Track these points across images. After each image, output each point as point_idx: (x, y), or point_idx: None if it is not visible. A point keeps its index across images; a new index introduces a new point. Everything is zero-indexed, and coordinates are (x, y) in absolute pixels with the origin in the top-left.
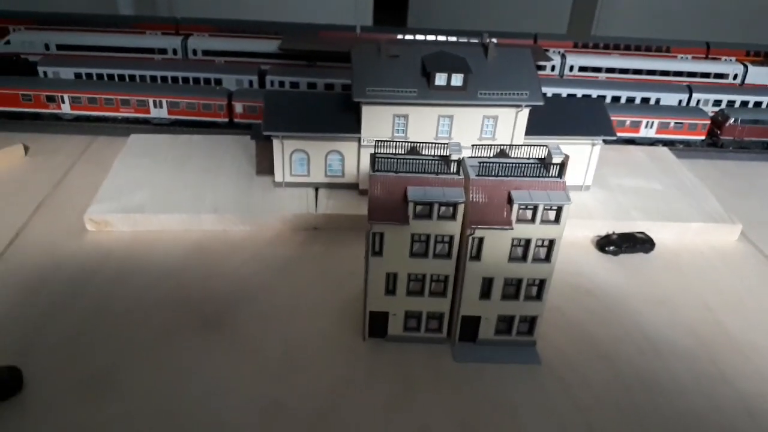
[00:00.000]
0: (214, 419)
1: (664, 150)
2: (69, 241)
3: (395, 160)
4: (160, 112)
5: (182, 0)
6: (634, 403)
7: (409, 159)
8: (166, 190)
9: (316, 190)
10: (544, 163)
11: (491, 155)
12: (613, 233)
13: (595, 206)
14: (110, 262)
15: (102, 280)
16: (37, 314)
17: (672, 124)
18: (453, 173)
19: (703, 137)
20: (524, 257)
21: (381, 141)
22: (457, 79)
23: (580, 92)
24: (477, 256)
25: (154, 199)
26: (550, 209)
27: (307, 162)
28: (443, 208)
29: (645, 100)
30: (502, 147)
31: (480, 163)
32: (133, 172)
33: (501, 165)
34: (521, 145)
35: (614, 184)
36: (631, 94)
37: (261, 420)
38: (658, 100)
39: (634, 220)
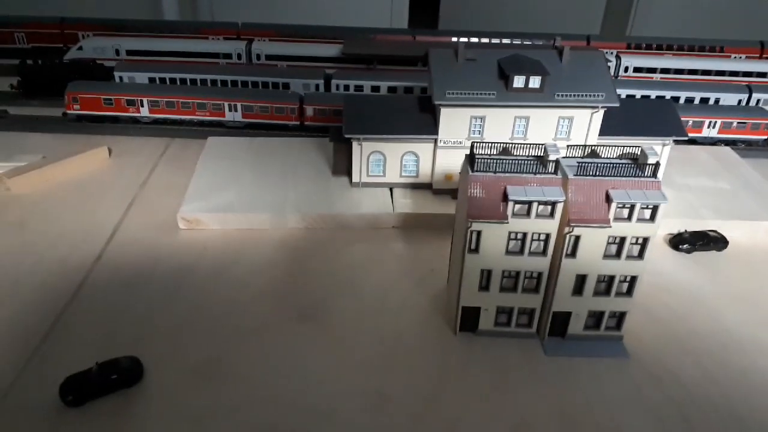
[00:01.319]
0: (321, 407)
1: (727, 149)
2: (164, 239)
3: (493, 161)
4: (234, 116)
5: (223, 6)
6: (725, 397)
7: (507, 159)
8: (250, 190)
9: (391, 190)
10: (638, 163)
11: (583, 155)
12: (686, 231)
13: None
14: (205, 259)
15: (199, 275)
16: (144, 307)
17: (734, 124)
18: (551, 173)
19: (765, 137)
20: (618, 254)
21: (477, 142)
22: (535, 82)
23: (638, 93)
24: (573, 254)
25: (241, 199)
26: (647, 208)
27: (384, 163)
28: (542, 207)
29: (704, 101)
30: (593, 147)
31: (578, 162)
32: (216, 173)
33: (598, 165)
34: (614, 146)
35: (681, 183)
36: (691, 94)
37: (366, 409)
38: (717, 100)
39: (705, 219)
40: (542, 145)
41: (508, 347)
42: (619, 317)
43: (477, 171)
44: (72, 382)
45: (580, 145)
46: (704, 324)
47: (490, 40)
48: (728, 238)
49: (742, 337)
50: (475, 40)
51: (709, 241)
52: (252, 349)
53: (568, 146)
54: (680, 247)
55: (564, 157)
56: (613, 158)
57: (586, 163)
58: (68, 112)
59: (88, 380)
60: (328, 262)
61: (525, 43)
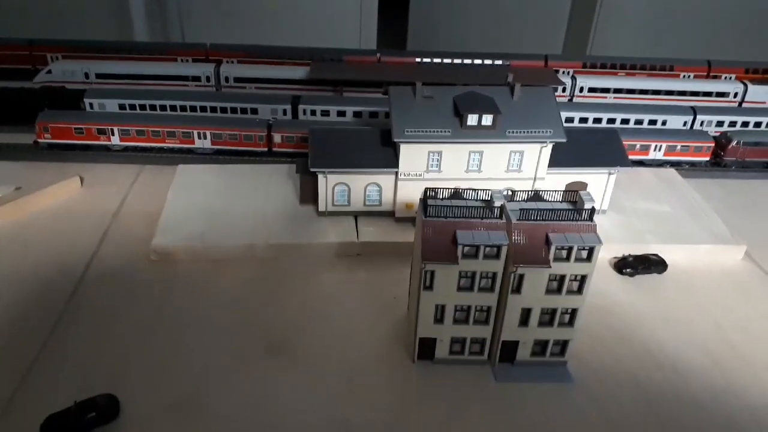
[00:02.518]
0: None
1: (671, 171)
2: (137, 272)
3: (444, 207)
4: (203, 143)
5: (193, 27)
6: (659, 420)
7: (456, 206)
8: (220, 220)
9: (356, 218)
10: (576, 207)
11: (527, 199)
12: (629, 255)
13: (611, 229)
14: (177, 291)
15: (172, 309)
16: (119, 344)
17: (679, 147)
18: (496, 218)
19: (707, 158)
20: (559, 290)
21: (431, 189)
22: (487, 120)
23: (591, 116)
24: (518, 290)
25: (211, 230)
26: (583, 249)
27: (348, 193)
28: (488, 249)
29: (652, 122)
30: (537, 191)
31: (520, 209)
32: (186, 203)
33: (539, 210)
34: (555, 191)
35: (628, 207)
36: (640, 116)
37: None
38: (664, 122)
39: (648, 243)
40: (489, 191)
41: (462, 374)
42: (563, 344)
43: (429, 216)
44: (52, 422)
45: (523, 190)
46: (642, 345)
47: (452, 61)
48: (668, 261)
49: (676, 358)
50: (438, 60)
51: (650, 265)
52: (224, 384)
53: (511, 191)
54: (624, 270)
55: (510, 201)
56: (554, 201)
57: (528, 208)
58: (39, 140)
59: (67, 419)
60: (296, 293)
61: (486, 63)
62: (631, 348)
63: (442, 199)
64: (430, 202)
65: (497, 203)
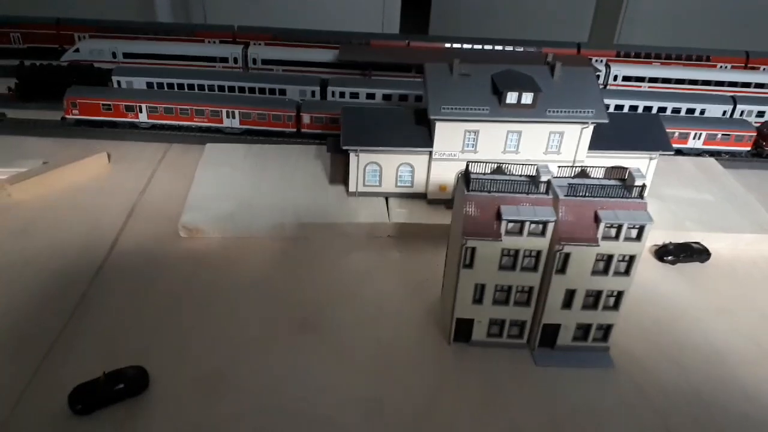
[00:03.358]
0: (322, 416)
1: (711, 161)
2: (165, 248)
3: (488, 180)
4: (232, 122)
5: (215, 9)
6: (706, 408)
7: (501, 179)
8: (249, 198)
9: (387, 199)
10: (626, 184)
11: (573, 175)
12: (670, 243)
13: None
14: (207, 268)
15: (202, 284)
16: (148, 317)
17: (719, 136)
18: (542, 193)
19: (748, 148)
20: (606, 271)
21: (472, 162)
22: (527, 98)
23: (627, 103)
24: (562, 270)
25: (240, 208)
26: (633, 227)
27: (380, 173)
28: (533, 226)
29: (690, 111)
30: (583, 167)
31: (569, 184)
32: (215, 181)
33: (587, 186)
34: (602, 166)
35: (668, 194)
36: (678, 105)
37: (365, 417)
38: (703, 111)
39: (689, 231)
40: (534, 165)
41: (499, 357)
42: (606, 329)
43: (472, 190)
44: (80, 392)
45: (570, 166)
46: (687, 335)
47: (483, 47)
48: (711, 250)
49: (722, 348)
50: (468, 46)
51: (693, 253)
52: (254, 359)
53: (559, 167)
54: (665, 258)
55: (555, 177)
56: (602, 179)
57: (576, 184)
58: (67, 116)
59: (96, 390)
60: (327, 271)
61: (517, 50)
62: (675, 337)
63: (484, 174)
64: (473, 175)
65: (544, 178)
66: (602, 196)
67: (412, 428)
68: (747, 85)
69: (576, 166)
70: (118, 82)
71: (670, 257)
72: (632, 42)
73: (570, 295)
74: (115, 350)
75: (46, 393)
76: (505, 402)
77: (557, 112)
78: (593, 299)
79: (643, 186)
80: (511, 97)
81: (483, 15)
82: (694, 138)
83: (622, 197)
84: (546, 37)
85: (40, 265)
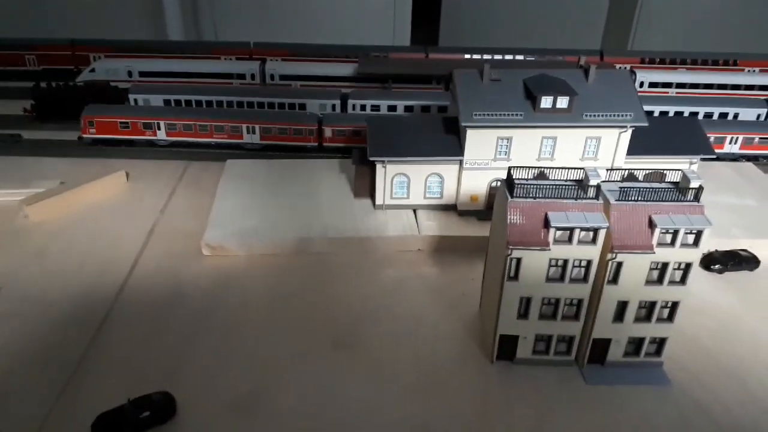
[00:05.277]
0: None
1: (750, 165)
2: (188, 266)
3: (532, 186)
4: (252, 138)
5: (226, 27)
6: None
7: (546, 184)
8: (273, 214)
9: (415, 212)
10: (680, 187)
11: (622, 179)
12: (716, 251)
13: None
14: (233, 286)
15: (228, 304)
16: (173, 339)
17: (756, 140)
18: (592, 198)
19: None
20: (660, 280)
21: (515, 167)
22: (562, 102)
23: (657, 109)
24: (614, 280)
25: (264, 224)
26: (690, 233)
27: (408, 185)
28: (583, 233)
29: (723, 116)
30: (631, 171)
31: (620, 188)
32: (237, 198)
33: (640, 190)
34: (653, 169)
35: (709, 200)
36: (710, 109)
37: None
38: (736, 115)
39: (736, 238)
40: (581, 169)
41: (547, 376)
42: (660, 343)
43: (517, 197)
44: (104, 420)
45: (618, 169)
46: (744, 346)
47: (503, 57)
48: (760, 257)
49: None
50: (488, 56)
51: (741, 261)
52: (288, 380)
53: (607, 170)
54: (712, 267)
55: (604, 181)
56: (653, 182)
57: (628, 188)
58: (84, 136)
59: (120, 418)
60: (358, 287)
61: (547, 59)
62: (731, 348)
63: (527, 179)
64: (516, 181)
65: (593, 182)
66: (656, 200)
67: None
68: None
69: (624, 169)
70: (135, 101)
71: (717, 266)
72: (646, 48)
73: (622, 307)
74: (139, 375)
75: (68, 421)
76: (559, 425)
77: (594, 116)
78: (646, 311)
79: (700, 188)
80: (546, 102)
81: (491, 25)
82: (730, 143)
83: (677, 201)
84: (555, 46)
85: (59, 288)
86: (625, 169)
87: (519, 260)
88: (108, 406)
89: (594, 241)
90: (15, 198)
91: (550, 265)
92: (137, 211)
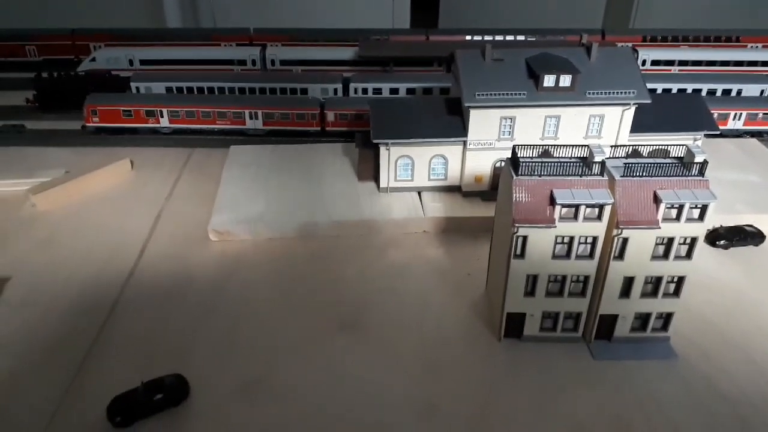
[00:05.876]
0: (371, 420)
1: (754, 141)
2: (195, 252)
3: (537, 164)
4: (255, 123)
5: (224, 13)
6: None
7: (551, 162)
8: (278, 199)
9: (419, 193)
10: (684, 162)
11: (627, 155)
12: (721, 227)
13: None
14: (240, 270)
15: (235, 288)
16: (183, 323)
17: (760, 116)
18: (597, 174)
19: None
20: (666, 255)
21: (519, 145)
22: (565, 80)
23: (660, 87)
24: (620, 256)
25: (270, 208)
26: (695, 207)
27: (412, 167)
28: (589, 210)
29: (726, 92)
30: (635, 147)
31: (624, 164)
32: (242, 183)
33: (644, 165)
34: (659, 144)
35: (713, 177)
36: (713, 86)
37: (419, 421)
38: (740, 92)
39: (740, 213)
40: (586, 146)
41: (554, 353)
42: (666, 318)
43: (521, 175)
44: (119, 403)
45: (622, 145)
46: (750, 320)
47: (504, 37)
48: (765, 233)
49: None
50: (489, 37)
51: (746, 236)
52: (297, 362)
53: (612, 146)
54: (717, 243)
55: (609, 158)
56: (658, 158)
57: (632, 163)
58: (87, 125)
59: (134, 400)
60: (363, 269)
61: (548, 39)
62: (738, 323)
63: (532, 157)
64: (521, 159)
65: (597, 158)
66: (660, 175)
67: (469, 429)
68: None
69: (628, 145)
70: (137, 89)
71: (722, 241)
72: (648, 26)
73: (628, 282)
74: (151, 358)
75: (83, 404)
76: (568, 400)
77: (597, 93)
78: (652, 286)
79: (704, 162)
80: (549, 80)
81: (491, 6)
82: (734, 119)
83: (681, 175)
84: (554, 26)
85: (69, 275)
86: (630, 146)
87: (525, 238)
88: (122, 389)
89: (599, 217)
90: (21, 188)
91: (556, 242)
92: (143, 198)
